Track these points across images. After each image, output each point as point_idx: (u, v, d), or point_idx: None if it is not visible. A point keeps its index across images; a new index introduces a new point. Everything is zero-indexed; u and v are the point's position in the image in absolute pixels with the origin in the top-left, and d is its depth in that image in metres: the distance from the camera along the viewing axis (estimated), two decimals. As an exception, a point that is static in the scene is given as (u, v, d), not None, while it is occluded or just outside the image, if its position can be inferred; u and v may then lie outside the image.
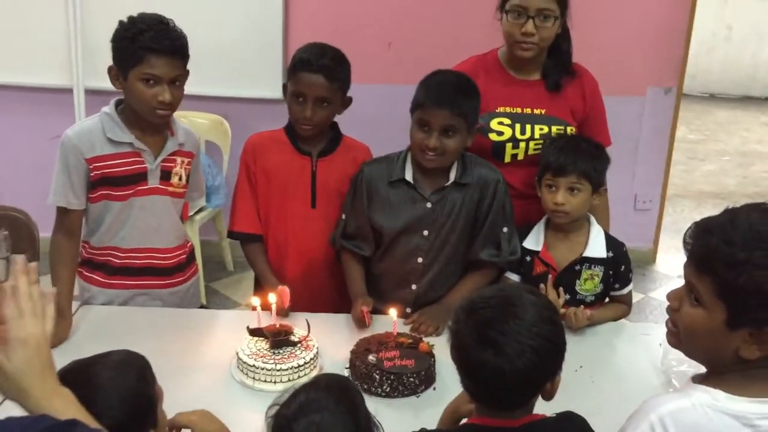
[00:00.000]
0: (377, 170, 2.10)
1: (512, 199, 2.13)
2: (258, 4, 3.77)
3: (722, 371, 1.18)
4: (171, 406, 1.36)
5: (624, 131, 3.78)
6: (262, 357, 1.75)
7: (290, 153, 2.15)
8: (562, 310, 1.98)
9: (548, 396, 1.25)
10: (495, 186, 2.07)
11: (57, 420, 0.91)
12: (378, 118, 3.33)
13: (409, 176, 2.05)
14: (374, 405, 1.25)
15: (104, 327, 1.97)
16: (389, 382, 1.71)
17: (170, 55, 1.92)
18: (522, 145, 2.21)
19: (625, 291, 2.14)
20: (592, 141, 2.14)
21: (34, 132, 3.85)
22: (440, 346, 1.78)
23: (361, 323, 1.99)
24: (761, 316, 1.09)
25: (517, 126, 2.20)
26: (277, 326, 1.84)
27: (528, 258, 2.11)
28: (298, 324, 1.89)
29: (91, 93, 3.76)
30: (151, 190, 2.04)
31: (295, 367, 1.73)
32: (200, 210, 3.64)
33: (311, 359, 1.77)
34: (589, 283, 2.08)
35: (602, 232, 2.12)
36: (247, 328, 1.85)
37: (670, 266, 4.33)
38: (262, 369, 1.72)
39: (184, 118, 2.86)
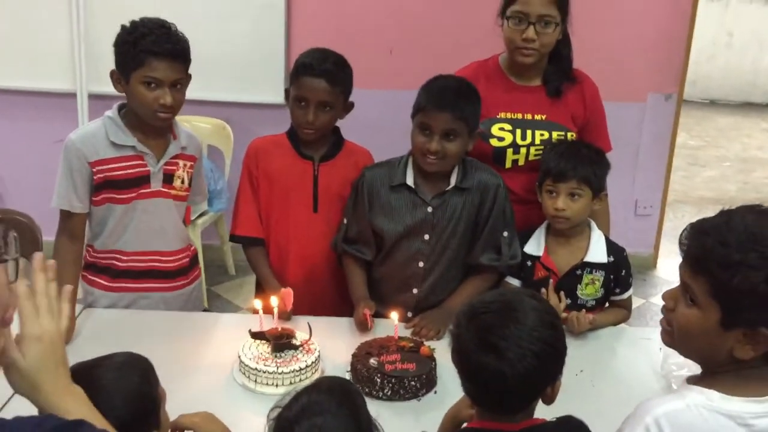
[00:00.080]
0: (378, 175, 2.11)
1: (513, 204, 2.14)
2: (260, 10, 3.79)
3: (716, 371, 1.19)
4: (173, 408, 1.37)
5: (625, 137, 3.79)
6: (264, 360, 1.76)
7: (292, 157, 2.16)
8: (564, 315, 1.99)
9: (549, 400, 1.26)
10: (495, 190, 2.08)
11: (64, 420, 0.91)
12: (379, 124, 3.34)
13: (410, 181, 2.06)
14: (375, 408, 1.25)
15: (107, 330, 1.98)
16: (390, 385, 1.72)
17: (171, 58, 1.93)
18: (523, 150, 2.22)
19: (625, 296, 2.15)
20: (592, 146, 2.15)
21: (38, 136, 3.87)
22: (441, 350, 1.79)
23: (363, 326, 2.00)
24: (755, 316, 1.10)
25: (518, 132, 2.21)
26: (279, 329, 1.85)
27: (529, 263, 2.12)
28: (300, 327, 1.90)
29: (94, 97, 3.77)
30: (154, 193, 2.06)
31: (297, 371, 1.74)
32: (202, 214, 3.66)
33: (313, 362, 1.78)
34: (590, 288, 2.09)
35: (603, 237, 2.13)
36: (250, 331, 1.86)
37: (671, 272, 4.33)
38: (264, 372, 1.73)
39: (187, 123, 2.86)
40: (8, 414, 0.94)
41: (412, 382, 1.73)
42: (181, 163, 2.09)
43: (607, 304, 2.16)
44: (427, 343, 1.88)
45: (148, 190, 2.05)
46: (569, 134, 2.23)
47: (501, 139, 2.21)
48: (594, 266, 2.08)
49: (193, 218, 3.38)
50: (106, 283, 2.11)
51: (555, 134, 2.21)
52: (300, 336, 1.85)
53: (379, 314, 2.04)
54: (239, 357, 1.79)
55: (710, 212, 1.21)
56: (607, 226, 2.28)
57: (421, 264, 2.10)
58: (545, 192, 2.09)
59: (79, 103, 3.84)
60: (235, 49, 3.80)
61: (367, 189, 2.10)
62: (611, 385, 1.83)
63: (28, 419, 0.91)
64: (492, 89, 2.20)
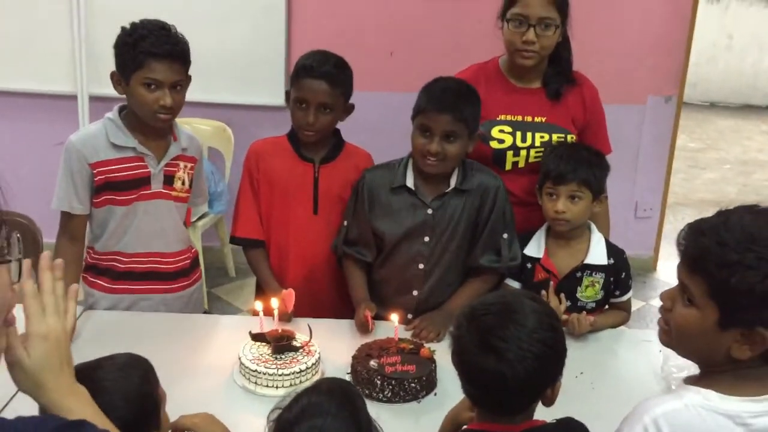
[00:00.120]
0: (378, 176, 2.11)
1: (513, 206, 2.14)
2: (261, 12, 3.79)
3: (714, 371, 1.19)
4: (173, 410, 1.37)
5: (625, 139, 3.80)
6: (264, 362, 1.76)
7: (293, 159, 2.17)
8: (564, 317, 1.99)
9: (549, 402, 1.26)
10: (495, 192, 2.08)
11: (65, 420, 0.92)
12: (380, 126, 3.35)
13: (410, 183, 2.07)
14: (375, 410, 1.25)
15: (107, 331, 1.98)
16: (390, 387, 1.72)
17: (171, 59, 1.94)
18: (523, 152, 2.22)
19: (624, 298, 2.15)
20: (592, 149, 2.15)
21: (38, 138, 3.87)
22: (441, 352, 1.78)
23: (363, 328, 2.00)
24: (752, 316, 1.10)
25: (518, 134, 2.21)
26: (280, 331, 1.85)
27: (529, 265, 2.13)
28: (300, 329, 1.90)
29: (95, 99, 3.78)
30: (155, 194, 2.06)
31: (297, 372, 1.74)
32: (202, 216, 3.66)
33: (313, 364, 1.78)
34: (590, 290, 2.09)
35: (603, 239, 2.13)
36: (250, 333, 1.86)
37: (671, 274, 4.27)
38: (264, 374, 1.73)
39: (188, 125, 2.87)
40: (10, 414, 0.94)
41: (412, 384, 1.73)
42: (181, 164, 2.10)
43: (606, 307, 2.16)
44: (427, 345, 1.88)
45: (149, 192, 2.05)
46: (569, 136, 2.23)
47: (501, 141, 2.21)
48: (594, 268, 2.09)
49: (193, 220, 3.38)
50: (106, 285, 2.12)
51: (555, 136, 2.22)
52: (300, 338, 1.85)
53: (380, 316, 2.04)
54: (239, 359, 1.79)
55: (710, 214, 1.21)
56: (607, 228, 2.28)
57: (421, 266, 2.10)
58: (545, 194, 2.09)
59: (80, 105, 3.85)
60: (235, 51, 3.81)
61: (368, 191, 2.10)
62: (611, 387, 1.83)
63: (29, 419, 0.92)
64: (492, 91, 2.21)
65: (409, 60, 3.82)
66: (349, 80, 2.13)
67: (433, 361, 1.80)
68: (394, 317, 1.89)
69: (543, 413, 1.29)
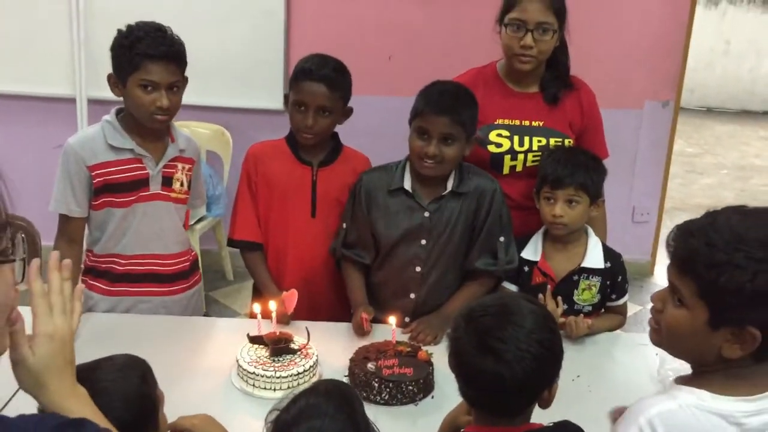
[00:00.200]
0: (376, 179, 2.12)
1: (511, 210, 2.15)
2: (260, 16, 3.80)
3: (706, 371, 1.20)
4: (171, 412, 1.38)
5: (622, 144, 3.81)
6: (262, 364, 1.77)
7: (291, 162, 2.17)
8: (561, 320, 2.00)
9: (546, 404, 1.26)
10: (492, 195, 2.09)
11: (66, 418, 0.92)
12: (378, 130, 3.35)
13: (407, 185, 2.07)
14: (373, 413, 1.26)
15: (105, 334, 1.98)
16: (388, 389, 1.72)
17: (167, 61, 1.95)
18: (520, 157, 2.23)
19: (621, 302, 2.16)
20: (589, 153, 2.16)
21: (37, 141, 3.87)
22: (439, 355, 1.79)
23: (361, 331, 2.01)
24: (742, 315, 1.11)
25: (516, 138, 2.22)
26: (277, 334, 1.86)
27: (526, 268, 2.13)
28: (298, 332, 1.90)
29: (93, 102, 3.78)
30: (153, 195, 2.06)
31: (295, 375, 1.74)
32: (201, 219, 3.66)
33: (311, 367, 1.78)
34: (586, 294, 2.10)
35: (600, 243, 2.14)
36: (248, 335, 1.86)
37: (668, 279, 4.34)
38: (262, 376, 1.74)
39: (186, 128, 2.87)
40: (10, 413, 0.94)
41: (410, 387, 1.73)
42: (179, 165, 2.10)
43: (602, 310, 2.17)
44: (424, 348, 1.88)
45: (148, 193, 2.06)
46: (567, 141, 2.24)
47: (499, 145, 2.22)
48: (591, 272, 2.09)
49: (191, 223, 3.39)
50: (105, 287, 2.12)
51: (552, 141, 2.23)
52: (298, 340, 1.86)
53: (377, 319, 2.05)
54: (237, 361, 1.80)
55: (701, 217, 1.22)
56: (605, 232, 2.29)
57: (418, 269, 2.11)
58: (543, 198, 2.10)
59: (79, 108, 3.85)
60: (234, 54, 3.81)
61: (365, 193, 2.11)
62: (608, 390, 1.84)
63: (30, 417, 0.92)
64: (490, 96, 2.22)
65: (408, 64, 3.83)
66: (348, 84, 2.14)
67: (431, 364, 1.80)
68: (392, 320, 1.90)
69: (540, 416, 1.29)
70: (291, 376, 1.74)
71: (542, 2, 2.10)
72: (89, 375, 1.21)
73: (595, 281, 2.10)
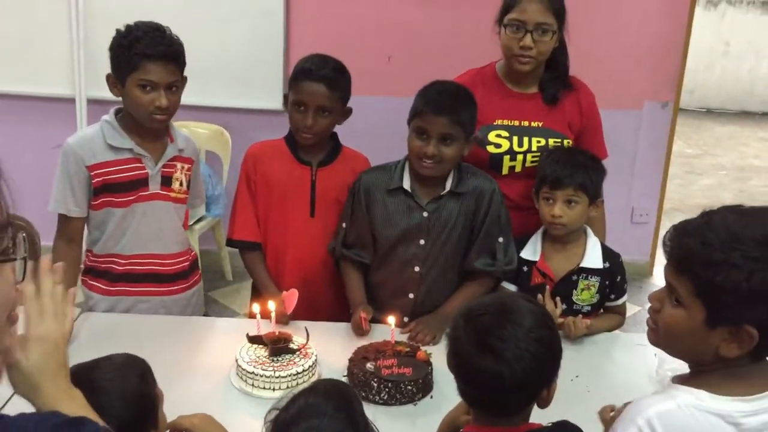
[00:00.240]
0: (375, 178, 2.12)
1: (510, 211, 2.15)
2: (260, 16, 3.80)
3: (704, 370, 1.20)
4: (171, 412, 1.38)
5: (621, 145, 3.81)
6: (261, 364, 1.77)
7: (290, 162, 2.17)
8: (560, 320, 2.00)
9: (544, 403, 1.27)
10: (491, 196, 2.09)
11: (67, 417, 0.92)
12: (377, 130, 3.36)
13: (407, 185, 2.08)
14: (372, 412, 1.26)
15: (104, 334, 1.98)
16: (387, 389, 1.72)
17: (165, 60, 1.95)
18: (519, 157, 2.23)
19: (620, 302, 2.16)
20: (588, 153, 2.16)
21: (37, 141, 3.87)
22: (438, 355, 1.79)
23: (360, 330, 2.01)
24: (739, 314, 1.12)
25: (515, 138, 2.22)
26: (277, 334, 1.86)
27: (525, 268, 2.13)
28: (297, 332, 1.90)
29: (93, 102, 3.78)
30: (153, 195, 2.07)
31: (294, 374, 1.75)
32: (200, 219, 3.67)
33: (310, 367, 1.78)
34: (585, 294, 2.10)
35: (598, 243, 2.14)
36: (247, 335, 1.87)
37: (667, 279, 4.34)
38: (261, 376, 1.74)
39: (185, 128, 2.88)
40: (10, 412, 0.94)
41: (409, 387, 1.73)
42: (178, 165, 2.11)
43: (601, 310, 2.17)
44: (423, 348, 1.89)
45: (147, 193, 2.06)
46: (566, 141, 2.24)
47: (498, 146, 2.22)
48: (590, 272, 2.10)
49: (190, 223, 3.39)
50: (105, 287, 2.12)
51: (552, 141, 2.23)
52: (297, 340, 1.86)
53: (376, 319, 2.05)
54: (236, 361, 1.80)
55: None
56: (603, 232, 2.29)
57: (417, 269, 2.11)
58: (542, 199, 2.10)
59: (78, 108, 3.86)
60: (234, 55, 3.82)
61: (364, 192, 2.11)
62: (607, 390, 1.83)
63: (31, 416, 0.92)
64: (489, 96, 2.22)
65: (407, 65, 3.84)
66: (348, 84, 2.14)
67: (430, 364, 1.81)
68: (392, 320, 1.90)
69: (539, 416, 1.29)
70: (290, 375, 1.74)
71: (542, 3, 2.11)
72: (88, 374, 1.21)
73: (594, 281, 2.10)
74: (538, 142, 2.22)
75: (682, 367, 1.29)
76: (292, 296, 2.02)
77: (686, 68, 4.15)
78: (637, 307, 4.01)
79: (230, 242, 2.25)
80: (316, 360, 1.82)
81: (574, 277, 2.10)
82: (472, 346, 1.21)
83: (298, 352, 1.82)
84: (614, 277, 2.12)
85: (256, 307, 1.91)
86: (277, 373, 1.74)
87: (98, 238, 2.09)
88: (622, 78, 3.96)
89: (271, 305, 1.91)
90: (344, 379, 1.78)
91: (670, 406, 1.17)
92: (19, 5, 3.77)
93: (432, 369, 1.80)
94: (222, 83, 3.81)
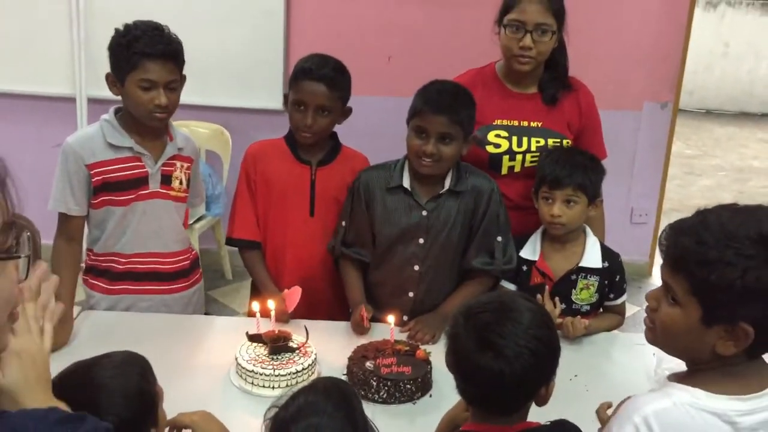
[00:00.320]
0: (374, 176, 2.13)
1: (509, 210, 2.15)
2: (260, 16, 3.80)
3: (701, 368, 1.21)
4: (170, 410, 1.38)
5: (620, 145, 3.82)
6: (260, 362, 1.77)
7: (290, 161, 2.18)
8: (558, 320, 2.00)
9: (542, 401, 1.27)
10: (489, 195, 2.09)
11: (67, 412, 0.93)
12: (377, 130, 3.36)
13: (406, 183, 2.08)
14: (371, 411, 1.26)
15: (104, 332, 1.99)
16: (386, 388, 1.73)
17: (164, 59, 1.95)
18: (519, 157, 2.23)
19: (619, 301, 2.17)
20: (587, 153, 2.17)
21: (37, 140, 3.87)
22: (437, 354, 1.80)
23: (360, 329, 2.01)
24: (733, 312, 1.12)
25: (514, 138, 2.23)
26: (276, 332, 1.86)
27: (524, 267, 2.14)
28: (297, 330, 1.91)
29: (93, 102, 3.78)
30: (153, 194, 2.07)
31: (293, 373, 1.75)
32: (200, 219, 3.67)
33: (309, 365, 1.79)
34: (584, 293, 2.11)
35: (598, 243, 2.15)
36: (247, 333, 1.87)
37: (666, 280, 4.34)
38: (261, 374, 1.74)
39: (186, 127, 2.88)
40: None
41: (408, 386, 1.74)
42: (178, 164, 2.11)
43: (601, 310, 2.17)
44: (422, 347, 1.89)
45: (147, 191, 2.06)
46: (565, 141, 2.25)
47: (497, 145, 2.23)
48: (589, 271, 2.10)
49: (190, 222, 3.39)
50: (105, 286, 2.12)
51: (551, 141, 2.23)
52: (297, 339, 1.86)
53: (376, 318, 2.05)
54: (236, 359, 1.80)
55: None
56: (603, 232, 2.29)
57: (416, 267, 2.11)
58: (541, 198, 2.10)
59: (79, 107, 3.86)
60: (234, 54, 3.82)
61: (364, 190, 2.11)
62: (605, 389, 1.82)
63: (31, 411, 0.93)
64: (489, 96, 2.22)
65: (407, 65, 3.84)
66: (348, 84, 2.15)
67: (429, 363, 1.81)
68: (391, 318, 1.90)
69: (538, 416, 1.30)
70: (289, 374, 1.75)
71: (541, 3, 2.11)
72: (88, 371, 1.22)
73: (593, 281, 2.10)
74: (538, 142, 2.23)
75: (681, 366, 1.29)
76: (294, 294, 2.03)
77: (686, 69, 4.15)
78: (636, 308, 4.02)
79: (230, 241, 2.25)
80: (315, 358, 1.82)
81: (574, 277, 2.10)
82: (472, 343, 1.22)
83: (297, 351, 1.82)
84: (613, 276, 2.13)
85: (255, 306, 1.91)
86: (276, 372, 1.74)
87: (98, 237, 2.09)
88: (621, 78, 3.96)
89: (271, 304, 1.91)
90: (344, 378, 1.78)
91: (666, 404, 1.17)
92: (20, 4, 3.77)
93: (431, 368, 1.80)
94: (222, 83, 3.81)
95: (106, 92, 2.06)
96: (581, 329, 2.02)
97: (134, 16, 2.06)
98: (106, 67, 2.02)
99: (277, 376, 1.74)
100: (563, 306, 2.06)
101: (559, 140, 2.24)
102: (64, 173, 2.02)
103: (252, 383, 1.75)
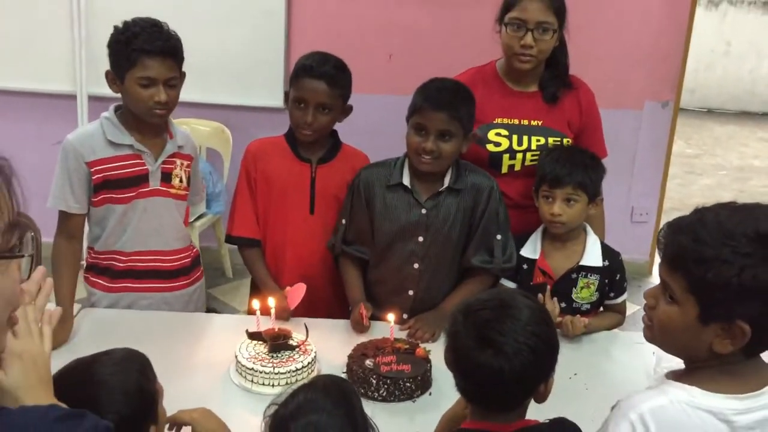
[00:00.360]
0: (374, 174, 2.13)
1: (509, 209, 2.15)
2: (261, 16, 3.81)
3: (699, 367, 1.21)
4: (170, 407, 1.38)
5: (621, 144, 3.82)
6: (260, 360, 1.77)
7: (290, 159, 2.18)
8: (558, 319, 2.00)
9: (541, 398, 1.28)
10: (489, 193, 2.09)
11: (67, 409, 0.93)
12: (377, 128, 3.35)
13: (406, 181, 2.08)
14: (371, 409, 1.26)
15: (104, 329, 1.99)
16: (386, 386, 1.73)
17: (163, 56, 1.95)
18: (519, 156, 2.23)
19: (619, 300, 2.17)
20: (587, 152, 2.17)
21: (37, 137, 3.87)
22: (436, 352, 1.79)
23: (359, 327, 2.01)
24: (730, 310, 1.12)
25: (515, 137, 2.23)
26: (276, 330, 1.87)
27: (525, 266, 2.14)
28: (297, 328, 1.91)
29: (94, 99, 3.79)
30: (153, 191, 2.07)
31: (293, 371, 1.75)
32: (200, 216, 3.67)
33: (309, 363, 1.79)
34: (585, 292, 2.11)
35: (598, 241, 2.15)
36: (247, 331, 1.87)
37: (666, 279, 4.34)
38: (261, 372, 1.74)
39: (186, 125, 2.88)
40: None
41: (408, 384, 1.74)
42: (178, 161, 2.11)
43: (601, 308, 2.17)
44: (422, 345, 1.89)
45: (147, 189, 2.06)
46: (565, 140, 2.25)
47: (497, 144, 2.23)
48: (589, 270, 2.10)
49: (191, 221, 3.39)
50: (106, 284, 2.12)
51: (551, 140, 2.23)
52: (296, 337, 1.86)
53: (375, 316, 2.06)
54: (236, 357, 1.80)
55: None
56: (603, 230, 2.29)
57: (416, 265, 2.11)
58: (541, 197, 2.10)
59: (79, 104, 3.86)
60: (235, 52, 3.82)
61: (364, 187, 2.11)
62: (604, 388, 1.84)
63: (32, 408, 0.93)
64: (489, 95, 2.22)
65: (408, 63, 3.84)
66: (348, 82, 2.15)
67: (429, 361, 1.81)
68: (391, 317, 1.90)
69: (537, 414, 1.30)
70: (289, 372, 1.75)
71: (542, 2, 2.11)
72: (88, 368, 1.22)
73: (594, 279, 2.10)
74: (538, 140, 2.23)
75: (680, 365, 1.30)
76: (297, 291, 2.03)
77: (687, 68, 4.15)
78: (636, 306, 4.01)
79: (229, 239, 2.25)
80: (315, 356, 1.82)
81: (574, 275, 2.10)
82: (471, 340, 1.22)
83: (297, 349, 1.82)
84: (614, 275, 2.13)
85: (255, 304, 1.91)
86: (276, 370, 1.74)
87: (99, 235, 2.09)
88: (622, 77, 3.96)
89: (271, 302, 1.91)
90: (343, 376, 1.78)
91: (662, 401, 1.18)
92: (21, 3, 3.77)
93: (431, 366, 1.80)
94: (223, 81, 3.81)
95: (106, 90, 2.06)
96: (580, 328, 2.02)
97: (135, 13, 2.05)
98: (107, 65, 2.02)
99: (276, 373, 1.74)
100: (563, 305, 2.06)
101: (559, 139, 2.24)
102: (64, 171, 2.02)
103: (252, 381, 1.76)
